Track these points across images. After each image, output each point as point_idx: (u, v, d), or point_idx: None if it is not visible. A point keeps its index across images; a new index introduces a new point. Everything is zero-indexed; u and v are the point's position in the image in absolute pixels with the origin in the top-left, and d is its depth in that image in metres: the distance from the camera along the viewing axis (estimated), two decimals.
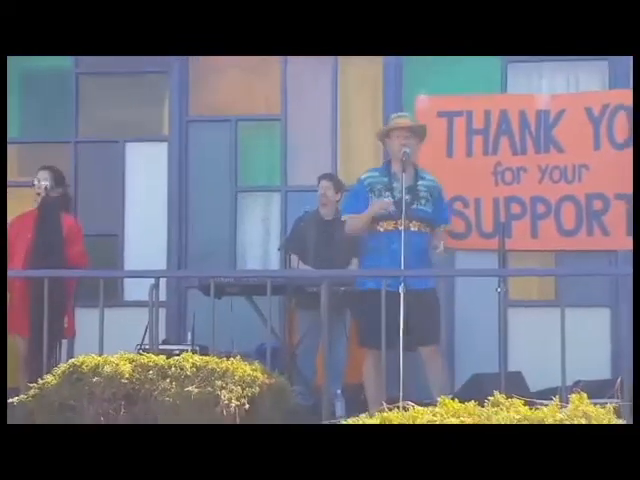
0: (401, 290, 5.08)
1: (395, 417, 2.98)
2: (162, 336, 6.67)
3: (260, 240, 7.37)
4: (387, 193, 5.53)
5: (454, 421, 2.75)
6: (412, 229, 5.47)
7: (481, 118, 6.87)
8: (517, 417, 2.76)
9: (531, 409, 2.86)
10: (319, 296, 5.63)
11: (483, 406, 2.94)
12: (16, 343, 6.28)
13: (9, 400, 4.01)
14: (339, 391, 6.25)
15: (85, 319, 6.44)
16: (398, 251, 5.26)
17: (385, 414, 3.01)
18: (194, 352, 4.50)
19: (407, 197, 5.48)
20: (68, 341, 6.35)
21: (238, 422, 3.96)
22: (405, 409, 3.05)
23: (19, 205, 6.91)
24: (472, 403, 2.92)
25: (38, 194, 6.33)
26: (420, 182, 5.62)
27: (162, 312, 6.45)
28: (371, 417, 3.01)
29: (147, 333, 6.21)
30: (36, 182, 6.37)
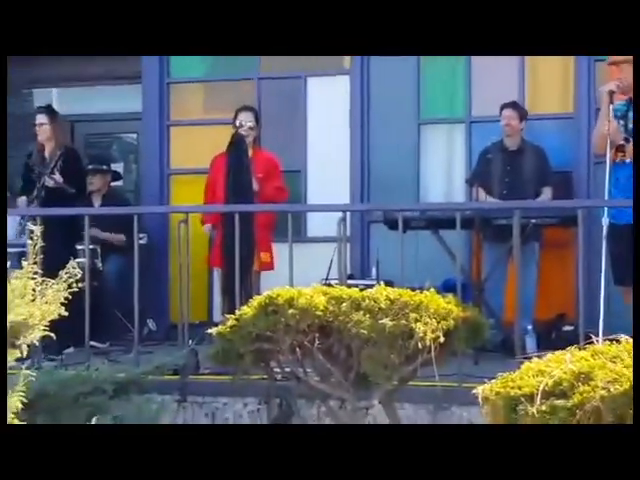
0: (604, 223, 5.07)
1: (607, 349, 2.88)
2: (347, 271, 6.67)
3: (443, 173, 7.22)
4: (621, 121, 5.44)
5: None
6: (626, 160, 5.39)
7: None
8: None
9: None
10: (506, 229, 5.48)
11: None
12: (214, 276, 6.52)
13: (207, 331, 4.09)
14: (530, 327, 6.08)
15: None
16: (619, 182, 5.36)
17: (596, 346, 2.91)
18: None
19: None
20: (254, 275, 6.46)
21: (432, 355, 3.89)
22: (617, 341, 2.94)
23: (207, 143, 7.02)
24: None
25: (241, 134, 6.27)
26: None
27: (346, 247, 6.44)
28: (580, 349, 2.91)
29: (331, 268, 6.23)
30: (240, 123, 6.40)
